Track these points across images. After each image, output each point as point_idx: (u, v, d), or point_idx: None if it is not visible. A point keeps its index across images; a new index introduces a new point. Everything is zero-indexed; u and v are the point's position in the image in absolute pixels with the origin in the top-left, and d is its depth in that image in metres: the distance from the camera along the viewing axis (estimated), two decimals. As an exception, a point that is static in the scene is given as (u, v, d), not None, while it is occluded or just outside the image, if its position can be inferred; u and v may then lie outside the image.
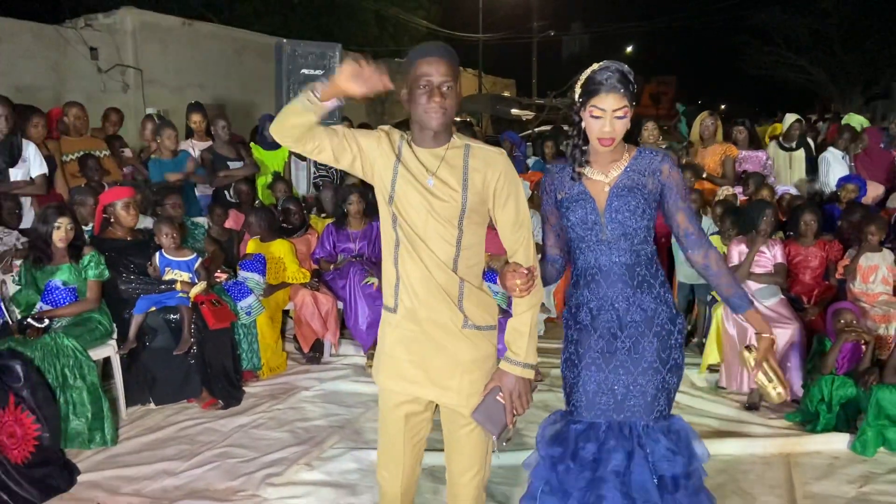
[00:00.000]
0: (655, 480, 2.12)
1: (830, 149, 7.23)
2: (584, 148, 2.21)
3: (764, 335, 2.25)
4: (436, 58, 1.94)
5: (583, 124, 2.16)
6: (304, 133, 1.93)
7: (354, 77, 1.81)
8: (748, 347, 2.30)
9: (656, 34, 35.66)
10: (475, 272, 2.08)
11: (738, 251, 4.41)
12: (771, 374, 2.24)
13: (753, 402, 4.10)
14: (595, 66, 2.12)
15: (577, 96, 2.14)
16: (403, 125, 2.11)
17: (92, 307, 3.95)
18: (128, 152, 6.08)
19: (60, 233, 3.84)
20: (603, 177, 2.20)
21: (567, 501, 2.17)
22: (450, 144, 2.02)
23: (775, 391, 2.25)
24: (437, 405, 2.18)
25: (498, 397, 2.05)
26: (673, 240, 5.39)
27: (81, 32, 11.72)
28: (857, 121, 8.36)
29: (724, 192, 5.83)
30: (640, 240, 2.19)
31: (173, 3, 16.52)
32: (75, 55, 11.58)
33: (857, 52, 23.48)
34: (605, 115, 2.08)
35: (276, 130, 1.96)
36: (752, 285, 4.33)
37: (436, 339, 2.04)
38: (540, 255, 2.38)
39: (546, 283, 2.37)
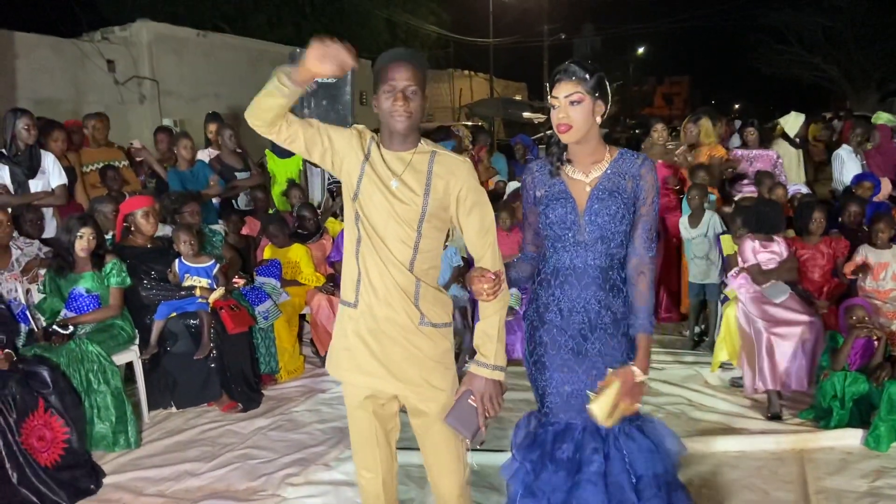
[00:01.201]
0: (634, 480, 2.12)
1: (844, 146, 7.23)
2: (562, 145, 2.22)
3: (633, 367, 2.10)
4: (400, 62, 1.98)
5: None
6: (275, 117, 1.95)
7: (321, 57, 1.81)
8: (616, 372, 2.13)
9: (668, 35, 35.59)
10: (432, 274, 2.13)
11: (751, 248, 4.41)
12: (612, 396, 2.05)
13: (776, 413, 4.08)
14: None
15: (549, 96, 2.18)
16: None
17: (114, 314, 4.05)
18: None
19: (83, 242, 3.95)
20: (583, 176, 2.21)
21: (543, 502, 2.17)
22: (417, 149, 2.07)
23: (594, 405, 2.06)
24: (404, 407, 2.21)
25: (470, 400, 2.07)
26: (684, 239, 5.45)
27: (98, 46, 11.92)
28: (884, 118, 8.33)
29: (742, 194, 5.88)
30: (616, 244, 2.19)
31: (188, 14, 16.76)
32: (93, 68, 11.77)
33: (870, 49, 23.32)
34: (559, 103, 2.11)
35: (249, 114, 1.97)
36: (749, 288, 4.35)
37: (393, 335, 2.08)
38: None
39: (523, 280, 2.41)
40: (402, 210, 2.02)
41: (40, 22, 12.85)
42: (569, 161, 2.23)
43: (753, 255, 4.37)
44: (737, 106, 40.06)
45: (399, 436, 2.33)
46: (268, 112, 1.94)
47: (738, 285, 4.39)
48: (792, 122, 7.38)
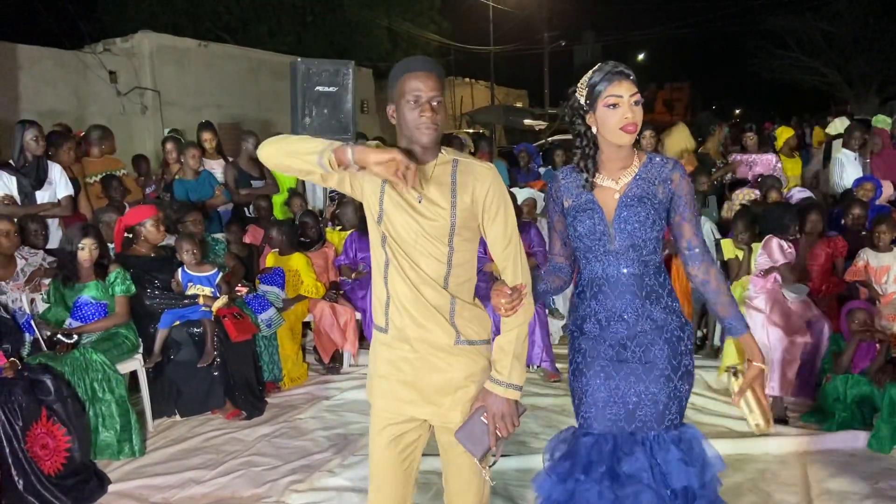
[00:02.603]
0: (669, 492, 2.06)
1: (843, 150, 7.25)
2: (594, 153, 2.15)
3: (754, 363, 2.13)
4: (424, 72, 1.90)
5: (592, 129, 2.11)
6: (296, 173, 1.96)
7: (388, 169, 1.77)
8: (735, 373, 2.22)
9: (668, 41, 35.69)
10: (467, 288, 2.03)
11: (779, 245, 4.40)
12: (753, 404, 2.15)
13: (781, 416, 4.07)
14: (593, 68, 2.10)
15: (583, 99, 2.10)
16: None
17: (121, 322, 4.08)
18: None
19: (85, 254, 3.99)
20: (613, 183, 2.14)
21: None
22: (438, 161, 1.97)
23: (753, 422, 2.15)
24: (431, 429, 2.13)
25: (483, 418, 1.98)
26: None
27: (101, 57, 12.00)
28: (881, 122, 8.36)
29: (745, 195, 5.89)
30: (648, 251, 2.13)
31: (189, 25, 16.86)
32: (95, 79, 11.85)
33: (870, 53, 23.34)
34: (623, 102, 2.03)
35: (269, 160, 1.94)
36: (776, 287, 4.35)
37: (427, 357, 2.00)
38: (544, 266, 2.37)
39: (551, 293, 2.33)
40: (429, 226, 1.93)
41: (43, 34, 12.93)
42: (597, 170, 2.16)
43: (782, 253, 4.38)
44: (737, 111, 40.13)
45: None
46: (289, 170, 1.94)
47: (761, 286, 4.38)
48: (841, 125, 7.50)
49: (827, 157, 7.62)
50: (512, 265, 2.00)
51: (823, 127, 11.56)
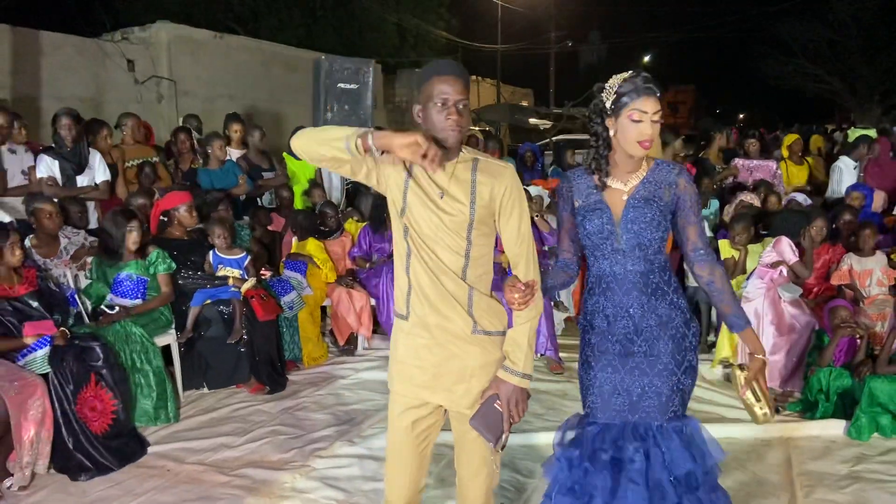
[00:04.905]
0: (672, 479, 2.15)
1: (843, 158, 7.50)
2: (606, 156, 2.25)
3: (757, 356, 2.25)
4: (452, 76, 1.98)
5: (610, 132, 2.20)
6: (323, 161, 2.03)
7: (413, 152, 1.86)
8: (740, 366, 2.32)
9: (674, 44, 35.84)
10: (484, 280, 2.12)
11: (789, 244, 4.69)
12: (759, 394, 2.25)
13: (774, 407, 4.35)
14: (624, 74, 2.19)
15: (608, 104, 2.18)
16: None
17: (170, 299, 4.42)
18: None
19: (134, 235, 4.28)
20: (622, 185, 2.24)
21: (581, 501, 2.23)
22: (459, 159, 2.06)
23: (761, 411, 2.26)
24: (446, 413, 2.22)
25: (496, 405, 2.08)
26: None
27: (119, 46, 12.24)
28: (855, 135, 8.65)
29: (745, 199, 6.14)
30: (654, 250, 2.23)
31: (204, 16, 17.10)
32: (113, 67, 12.08)
33: (875, 62, 23.57)
34: (646, 118, 2.11)
35: (302, 150, 2.02)
36: (779, 281, 4.62)
37: (446, 345, 2.09)
38: (554, 260, 2.50)
39: (557, 287, 2.46)
40: (450, 221, 2.03)
41: (63, 22, 13.17)
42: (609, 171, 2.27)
43: (792, 252, 4.66)
44: (741, 115, 40.39)
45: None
46: (320, 160, 2.02)
47: (767, 277, 4.62)
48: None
49: None
50: (524, 262, 2.10)
51: (822, 134, 11.82)
